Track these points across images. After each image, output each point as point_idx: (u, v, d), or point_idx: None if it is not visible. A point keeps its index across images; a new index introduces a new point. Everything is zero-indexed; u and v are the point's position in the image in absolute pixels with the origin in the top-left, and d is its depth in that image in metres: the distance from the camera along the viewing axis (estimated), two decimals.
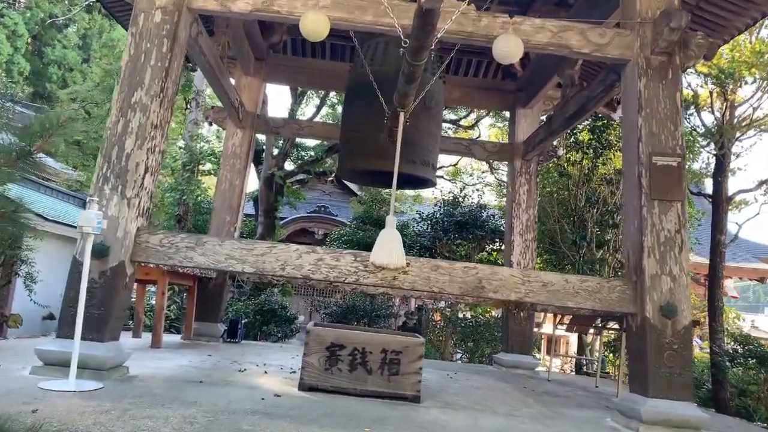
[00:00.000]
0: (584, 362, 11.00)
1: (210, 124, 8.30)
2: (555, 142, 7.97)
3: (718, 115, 8.87)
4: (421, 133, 5.98)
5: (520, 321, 7.78)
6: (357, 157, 6.15)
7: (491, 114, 14.71)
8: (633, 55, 4.75)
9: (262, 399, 3.86)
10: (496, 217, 13.83)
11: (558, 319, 7.13)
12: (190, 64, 9.09)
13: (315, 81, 8.37)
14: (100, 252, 4.16)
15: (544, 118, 8.55)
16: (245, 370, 5.07)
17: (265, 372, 5.06)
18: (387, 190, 18.52)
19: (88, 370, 3.97)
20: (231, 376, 4.69)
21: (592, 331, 7.86)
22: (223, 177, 7.82)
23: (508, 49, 4.56)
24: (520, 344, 7.77)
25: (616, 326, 7.18)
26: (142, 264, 4.69)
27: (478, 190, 13.98)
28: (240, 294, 11.01)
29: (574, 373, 11.87)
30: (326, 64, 8.30)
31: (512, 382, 6.20)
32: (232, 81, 7.57)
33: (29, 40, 25.12)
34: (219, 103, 8.00)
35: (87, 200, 3.98)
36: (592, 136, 10.19)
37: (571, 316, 6.91)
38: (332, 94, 14.97)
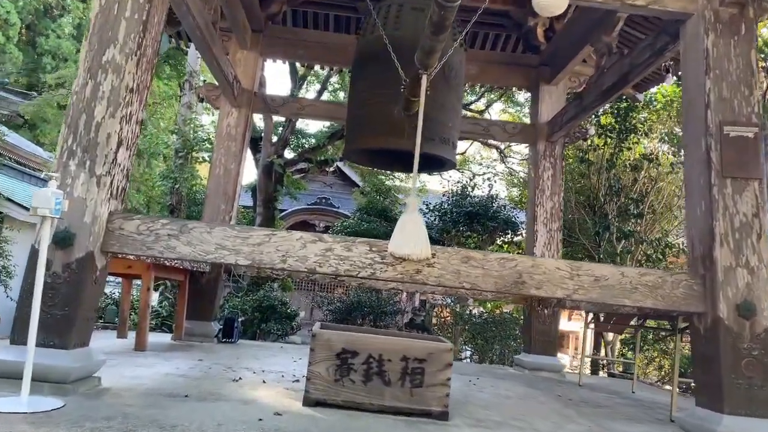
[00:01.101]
0: (605, 362, 10.32)
1: (201, 101, 7.55)
2: (584, 122, 7.23)
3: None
4: (440, 107, 5.24)
5: (544, 319, 7.08)
6: (366, 135, 5.41)
7: (503, 99, 13.97)
8: (697, 7, 4.03)
9: (260, 420, 3.15)
10: (507, 207, 13.16)
11: (589, 318, 6.41)
12: (183, 45, 8.38)
13: (317, 55, 7.61)
14: (63, 240, 3.44)
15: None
16: (240, 378, 4.36)
17: (264, 381, 4.34)
18: (390, 181, 17.82)
19: (49, 383, 3.28)
20: (223, 388, 3.97)
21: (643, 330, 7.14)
22: (218, 161, 7.09)
23: None
24: (544, 344, 7.07)
25: (652, 326, 6.48)
26: (118, 255, 3.97)
27: (489, 179, 13.24)
28: (237, 290, 10.31)
29: (588, 373, 11.19)
30: (330, 37, 7.54)
31: (544, 389, 5.49)
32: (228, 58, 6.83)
33: (22, 29, 24.29)
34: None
35: (44, 176, 3.26)
36: (615, 120, 9.46)
37: (603, 314, 6.19)
38: (334, 79, 14.26)
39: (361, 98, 5.42)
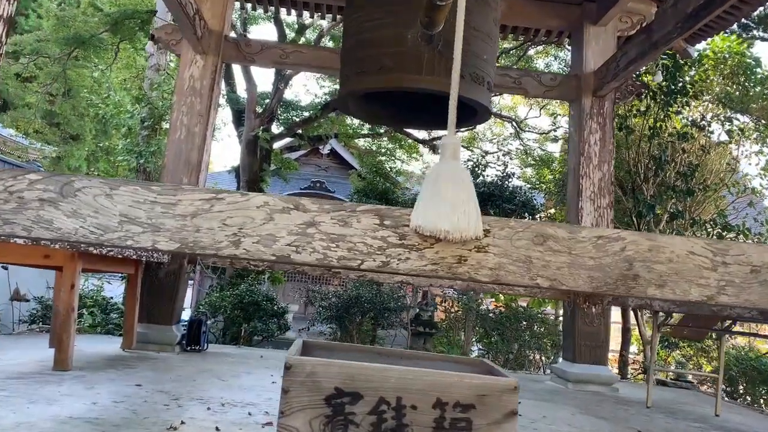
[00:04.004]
0: (645, 367, 8.90)
1: (153, 40, 6.04)
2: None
3: None
4: (472, 33, 3.75)
5: (592, 319, 5.63)
6: (368, 72, 3.86)
7: (521, 64, 12.43)
8: None
9: None
10: (524, 189, 11.78)
11: (661, 319, 4.98)
12: None
13: None
14: None
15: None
16: (182, 423, 2.88)
17: (217, 428, 2.86)
18: (391, 162, 16.30)
19: None
20: None
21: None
22: (178, 122, 5.60)
23: None
24: (591, 350, 5.63)
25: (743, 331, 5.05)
26: None
27: (505, 154, 11.81)
28: (207, 283, 8.86)
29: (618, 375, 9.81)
30: None
31: (611, 418, 4.05)
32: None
33: None
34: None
35: None
36: (663, 79, 7.95)
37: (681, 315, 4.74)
38: (329, 44, 12.74)
39: (362, 21, 3.90)
